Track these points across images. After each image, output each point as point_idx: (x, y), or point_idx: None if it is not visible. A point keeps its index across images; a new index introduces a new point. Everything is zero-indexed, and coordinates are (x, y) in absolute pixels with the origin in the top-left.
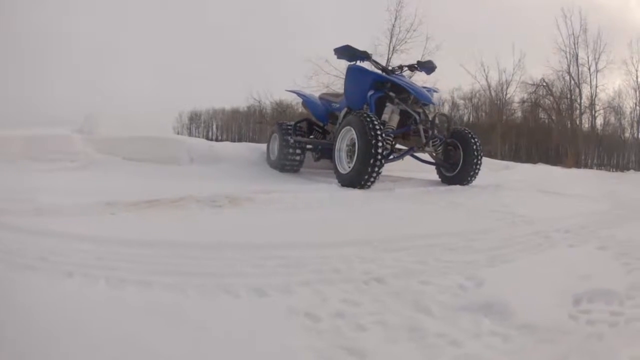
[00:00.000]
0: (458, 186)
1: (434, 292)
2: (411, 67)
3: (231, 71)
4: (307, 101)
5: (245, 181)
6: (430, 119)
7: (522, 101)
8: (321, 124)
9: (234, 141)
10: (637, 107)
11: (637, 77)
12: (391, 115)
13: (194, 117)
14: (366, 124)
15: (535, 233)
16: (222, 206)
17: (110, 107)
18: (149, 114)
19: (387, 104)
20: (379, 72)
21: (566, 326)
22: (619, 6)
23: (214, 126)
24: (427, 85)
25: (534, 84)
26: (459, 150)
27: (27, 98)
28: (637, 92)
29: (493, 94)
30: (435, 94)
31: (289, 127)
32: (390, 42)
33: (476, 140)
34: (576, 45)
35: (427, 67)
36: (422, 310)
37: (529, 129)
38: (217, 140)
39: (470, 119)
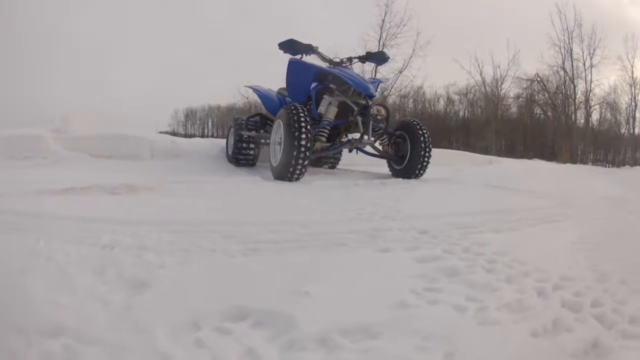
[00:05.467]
0: (395, 179)
1: (129, 265)
2: (361, 59)
3: (227, 68)
4: (261, 96)
5: (183, 174)
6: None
7: (517, 96)
8: (274, 118)
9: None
10: (633, 103)
11: (632, 73)
12: (328, 107)
13: (190, 114)
14: (291, 116)
15: (370, 230)
16: (119, 194)
17: (109, 105)
18: (146, 112)
19: (324, 96)
20: (322, 64)
21: None
22: (614, 2)
23: (210, 123)
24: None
25: (528, 79)
26: (407, 142)
27: (27, 98)
28: (633, 88)
29: (488, 89)
30: (381, 84)
31: (243, 122)
32: (380, 37)
33: (425, 131)
34: (570, 41)
35: (378, 58)
36: (84, 272)
37: (524, 124)
38: (212, 136)
39: (466, 115)
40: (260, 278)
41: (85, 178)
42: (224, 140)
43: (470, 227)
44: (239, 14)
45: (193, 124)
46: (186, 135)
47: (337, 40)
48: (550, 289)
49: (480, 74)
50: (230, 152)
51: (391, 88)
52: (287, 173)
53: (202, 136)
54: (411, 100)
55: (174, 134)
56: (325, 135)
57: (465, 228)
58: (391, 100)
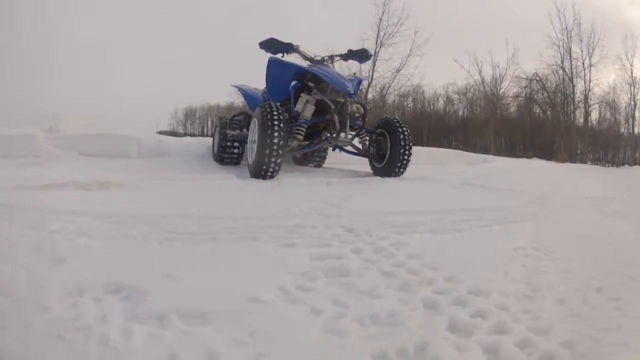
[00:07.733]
0: (370, 178)
1: (61, 246)
2: (343, 57)
3: (227, 68)
4: (246, 95)
5: (162, 171)
6: (352, 109)
7: (516, 95)
8: None
9: None
10: (632, 102)
11: (631, 72)
12: (305, 105)
13: (189, 114)
14: (264, 114)
15: (293, 226)
16: (90, 189)
17: (109, 105)
18: (146, 111)
19: (302, 94)
20: (301, 63)
21: None
22: (613, 1)
23: (209, 122)
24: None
25: (527, 79)
26: (387, 140)
27: (27, 98)
28: (632, 87)
29: (487, 88)
30: (361, 82)
31: (228, 121)
32: (377, 36)
33: (404, 129)
34: (569, 40)
35: (360, 55)
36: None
37: (523, 123)
38: (211, 136)
39: (465, 114)
40: (152, 261)
41: (68, 175)
42: (212, 140)
43: (408, 227)
44: (239, 14)
45: (192, 123)
46: (185, 134)
47: (336, 40)
48: (446, 303)
49: (480, 73)
50: (215, 151)
51: (389, 87)
52: (260, 171)
53: (202, 135)
54: (410, 99)
55: (173, 133)
56: (302, 133)
57: (401, 227)
58: (390, 99)
